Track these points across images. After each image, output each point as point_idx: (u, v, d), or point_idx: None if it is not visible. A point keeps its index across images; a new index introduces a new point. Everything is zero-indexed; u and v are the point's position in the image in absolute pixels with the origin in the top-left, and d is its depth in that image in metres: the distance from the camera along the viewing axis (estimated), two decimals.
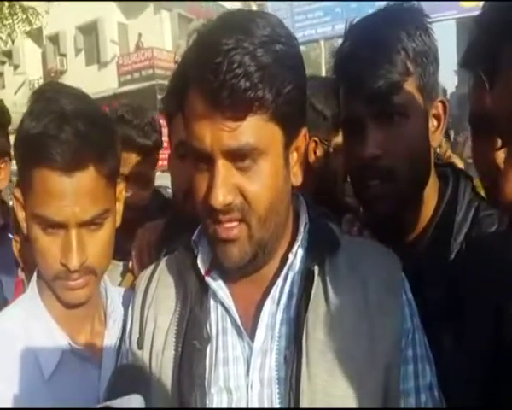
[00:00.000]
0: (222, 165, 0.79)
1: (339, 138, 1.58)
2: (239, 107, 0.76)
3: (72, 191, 0.94)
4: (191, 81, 0.80)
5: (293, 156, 0.88)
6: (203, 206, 0.82)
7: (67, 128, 0.92)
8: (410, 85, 1.05)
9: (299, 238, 0.89)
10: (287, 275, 0.88)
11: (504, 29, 0.59)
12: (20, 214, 1.03)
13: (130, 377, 0.85)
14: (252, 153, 0.79)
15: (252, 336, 0.86)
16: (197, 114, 0.79)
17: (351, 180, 1.20)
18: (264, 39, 0.77)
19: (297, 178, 0.89)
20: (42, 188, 0.94)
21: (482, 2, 0.69)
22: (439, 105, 1.13)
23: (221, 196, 0.78)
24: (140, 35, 20.33)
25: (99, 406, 0.75)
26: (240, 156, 0.79)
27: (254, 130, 0.78)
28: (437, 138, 1.12)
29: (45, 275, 1.02)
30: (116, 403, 0.73)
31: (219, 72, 0.74)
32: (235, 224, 0.82)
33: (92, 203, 0.97)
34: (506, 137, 0.63)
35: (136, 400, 0.74)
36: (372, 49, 1.04)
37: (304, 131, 0.88)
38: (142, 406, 0.75)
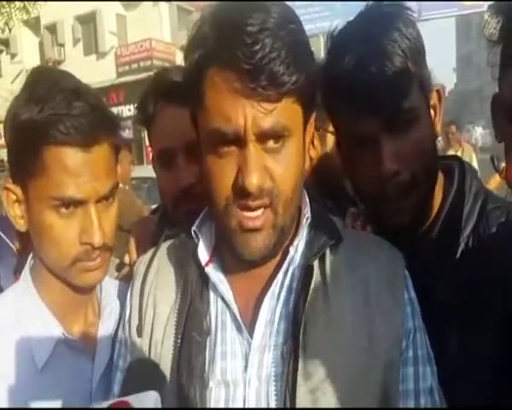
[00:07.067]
0: (254, 147, 0.78)
1: None
2: (275, 90, 0.75)
3: (90, 166, 0.93)
4: (215, 63, 0.78)
5: (306, 140, 0.87)
6: (229, 192, 0.80)
7: (77, 104, 0.91)
8: (414, 86, 1.04)
9: (301, 232, 0.88)
10: (287, 269, 0.86)
11: None
12: (18, 212, 0.98)
13: (145, 372, 0.84)
14: (283, 134, 0.79)
15: (251, 332, 0.84)
16: (227, 96, 0.77)
17: (364, 196, 1.16)
18: (281, 18, 0.77)
19: (307, 163, 0.88)
20: (58, 168, 0.92)
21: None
22: (435, 95, 1.12)
23: (255, 179, 0.77)
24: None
25: (114, 401, 0.73)
26: (271, 138, 0.78)
27: (285, 111, 0.78)
28: (437, 128, 1.11)
29: (58, 264, 0.98)
30: (132, 398, 0.71)
31: (253, 54, 0.73)
32: (261, 212, 0.80)
33: (108, 176, 0.97)
34: None
35: (152, 396, 0.72)
36: (378, 61, 1.00)
37: (314, 114, 0.88)
38: (158, 401, 0.72)
